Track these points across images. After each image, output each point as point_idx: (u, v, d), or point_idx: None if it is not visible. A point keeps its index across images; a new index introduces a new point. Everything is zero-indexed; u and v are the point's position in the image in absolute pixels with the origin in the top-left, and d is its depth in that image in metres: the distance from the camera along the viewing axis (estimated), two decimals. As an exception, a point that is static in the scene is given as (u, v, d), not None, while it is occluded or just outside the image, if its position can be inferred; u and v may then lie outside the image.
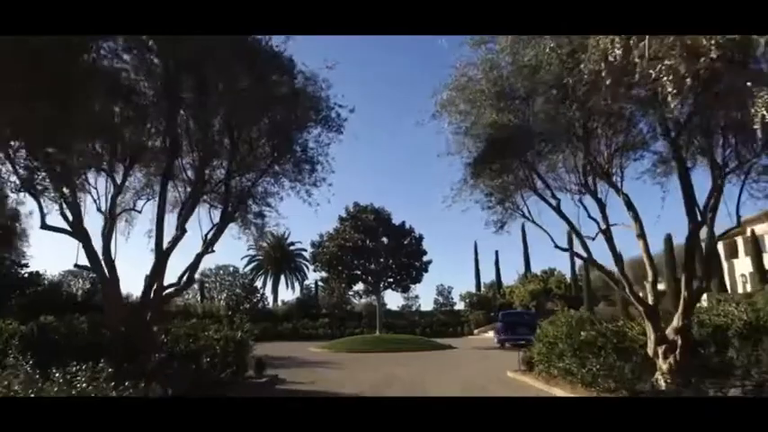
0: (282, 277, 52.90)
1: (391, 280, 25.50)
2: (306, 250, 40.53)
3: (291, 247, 50.88)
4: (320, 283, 46.00)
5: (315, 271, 27.77)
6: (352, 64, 60.82)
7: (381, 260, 25.13)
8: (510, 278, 45.35)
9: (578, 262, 37.88)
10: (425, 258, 25.65)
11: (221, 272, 45.73)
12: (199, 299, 42.59)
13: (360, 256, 24.41)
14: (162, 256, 8.97)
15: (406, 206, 64.24)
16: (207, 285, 45.25)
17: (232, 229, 10.69)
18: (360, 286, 27.56)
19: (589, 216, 8.65)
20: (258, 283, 53.25)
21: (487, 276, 49.45)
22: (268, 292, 52.65)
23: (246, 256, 53.32)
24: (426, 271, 25.65)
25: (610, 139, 8.13)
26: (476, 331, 38.31)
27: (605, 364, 7.80)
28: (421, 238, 25.50)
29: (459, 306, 43.93)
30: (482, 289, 45.37)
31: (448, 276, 77.31)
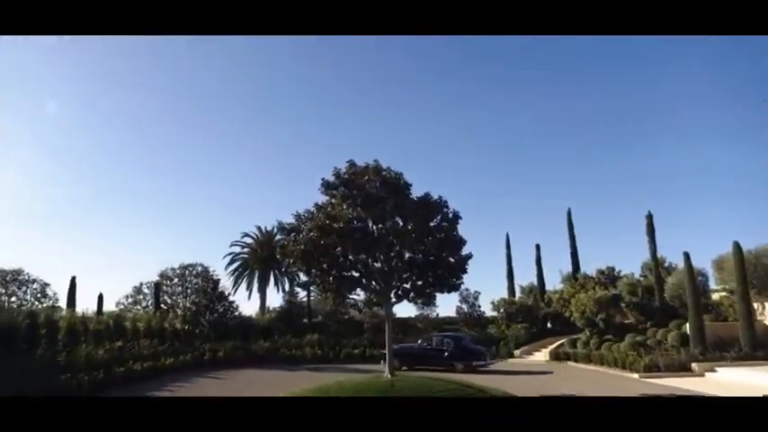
0: (272, 280, 43.48)
1: (408, 286, 15.79)
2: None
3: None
4: (313, 287, 36.60)
5: (286, 271, 18.26)
6: None
7: (393, 254, 15.44)
8: (551, 280, 35.51)
9: (664, 257, 28.01)
10: (463, 251, 15.89)
11: (186, 272, 36.11)
12: (153, 307, 32.77)
13: (357, 246, 14.71)
14: None
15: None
16: (167, 289, 35.65)
17: None
18: (360, 294, 17.96)
19: None
20: (243, 287, 44.16)
21: (522, 277, 39.91)
22: (255, 297, 43.31)
23: (230, 254, 44.08)
24: (465, 272, 15.91)
25: None
26: (517, 352, 28.58)
27: None
28: (456, 217, 15.77)
29: (490, 315, 34.24)
30: (517, 294, 35.57)
31: (471, 277, 67.16)
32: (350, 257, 15.09)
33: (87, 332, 21.56)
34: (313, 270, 15.10)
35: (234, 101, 72.82)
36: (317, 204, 15.33)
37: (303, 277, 16.78)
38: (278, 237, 15.89)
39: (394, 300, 16.15)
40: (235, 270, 43.76)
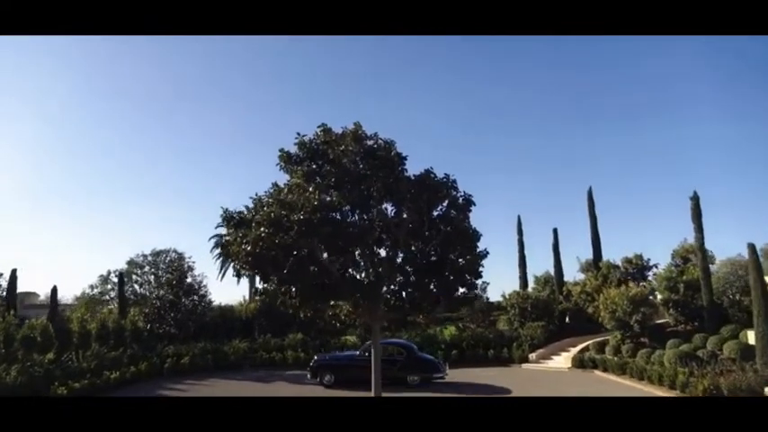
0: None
1: (403, 296, 11.63)
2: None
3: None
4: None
5: (238, 274, 13.95)
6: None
7: (382, 253, 11.23)
8: (569, 269, 31.40)
9: (708, 247, 23.78)
10: (478, 248, 11.65)
11: (159, 260, 32.11)
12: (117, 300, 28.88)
13: (330, 244, 10.49)
14: None
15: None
16: (138, 278, 31.75)
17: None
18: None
19: None
20: (230, 274, 40.20)
21: (536, 266, 35.91)
22: (244, 282, 39.33)
23: (215, 236, 39.94)
24: (479, 276, 11.74)
25: None
26: (533, 356, 24.64)
27: None
28: (469, 202, 11.51)
29: (497, 302, 30.30)
30: (530, 284, 31.51)
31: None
32: (321, 259, 10.90)
33: (12, 341, 17.63)
34: (271, 277, 10.93)
35: (226, 86, 67.97)
36: (275, 185, 11.05)
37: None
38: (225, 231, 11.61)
39: (386, 311, 12.07)
40: (220, 254, 39.82)
